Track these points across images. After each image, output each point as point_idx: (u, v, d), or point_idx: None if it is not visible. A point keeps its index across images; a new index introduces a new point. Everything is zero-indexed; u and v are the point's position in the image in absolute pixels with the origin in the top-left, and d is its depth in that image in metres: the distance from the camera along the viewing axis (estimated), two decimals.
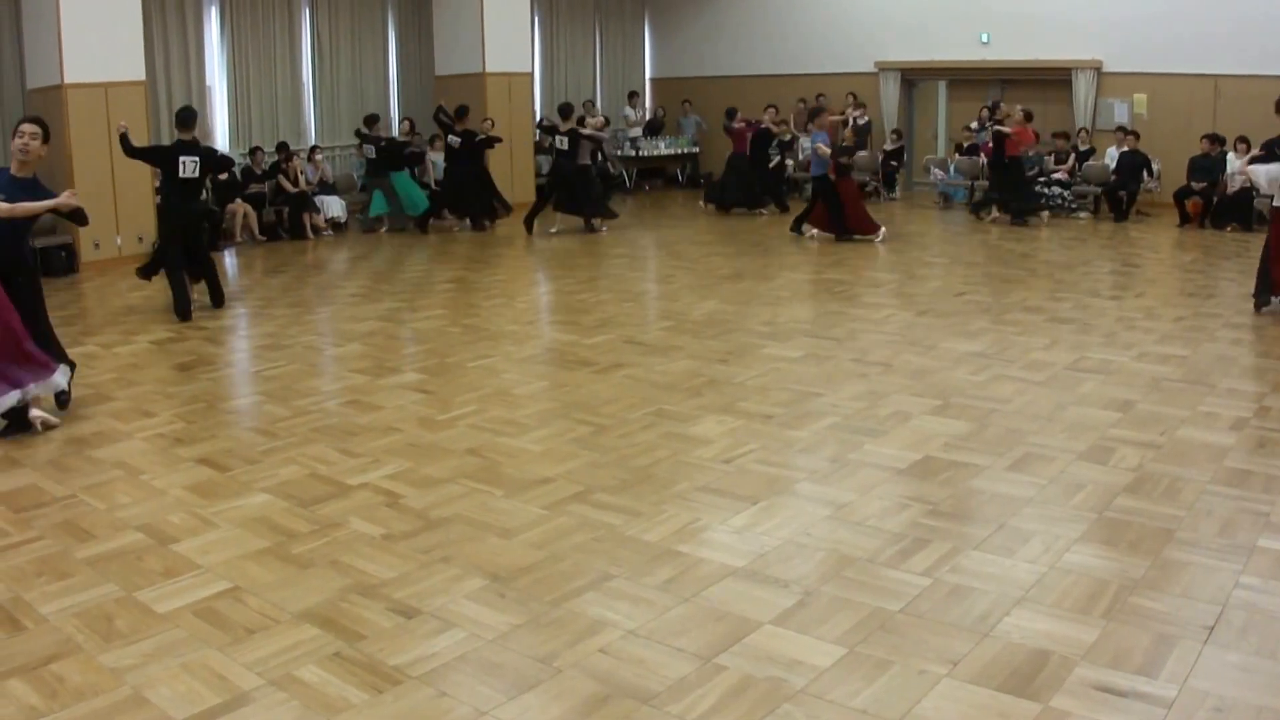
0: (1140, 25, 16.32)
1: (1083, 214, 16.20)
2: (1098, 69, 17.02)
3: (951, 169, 17.95)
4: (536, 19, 19.22)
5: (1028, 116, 15.68)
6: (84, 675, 3.81)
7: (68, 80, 12.21)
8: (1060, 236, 14.36)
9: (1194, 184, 15.02)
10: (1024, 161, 15.93)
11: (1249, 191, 14.52)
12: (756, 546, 4.85)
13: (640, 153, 20.33)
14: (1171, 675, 3.70)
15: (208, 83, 15.40)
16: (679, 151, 20.87)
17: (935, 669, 3.77)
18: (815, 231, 14.47)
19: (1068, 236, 14.38)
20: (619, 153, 20.60)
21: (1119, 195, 15.74)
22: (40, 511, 5.38)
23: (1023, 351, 8.20)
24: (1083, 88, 17.13)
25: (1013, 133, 15.34)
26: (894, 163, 18.64)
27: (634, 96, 21.01)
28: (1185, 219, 15.11)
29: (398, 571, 4.65)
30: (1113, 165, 15.91)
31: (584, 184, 15.36)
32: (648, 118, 21.04)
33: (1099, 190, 16.17)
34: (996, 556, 4.69)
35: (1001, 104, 16.68)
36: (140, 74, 12.99)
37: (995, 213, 16.01)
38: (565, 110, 15.28)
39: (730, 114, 17.76)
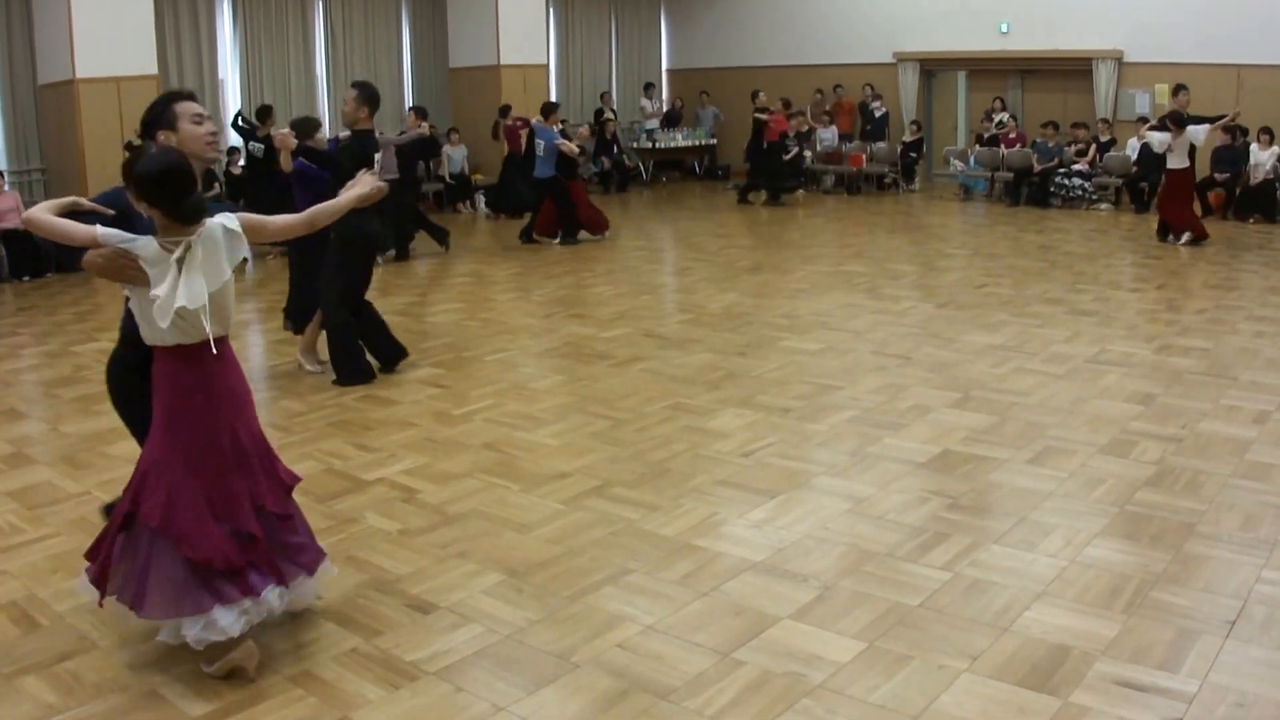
0: (1162, 15, 16.21)
1: (1104, 205, 16.12)
2: (1119, 59, 16.91)
3: (971, 160, 17.86)
4: (551, 10, 19.21)
5: (785, 104, 17.52)
6: (100, 672, 3.81)
7: (79, 75, 12.24)
8: (1081, 228, 14.27)
9: (1216, 175, 14.92)
10: (782, 145, 17.35)
11: (1272, 183, 14.46)
12: (775, 541, 4.82)
13: (657, 144, 20.29)
14: (1193, 670, 3.66)
15: (220, 76, 15.44)
16: (696, 143, 20.82)
17: (955, 664, 3.74)
18: (547, 239, 13.82)
19: (1089, 228, 14.28)
20: (635, 145, 20.56)
21: (1140, 186, 15.63)
22: (54, 508, 5.39)
23: (1044, 344, 8.14)
24: (1104, 78, 17.02)
25: (769, 120, 16.88)
26: (913, 154, 18.57)
27: (650, 88, 20.97)
28: (1207, 210, 14.99)
29: (414, 567, 4.64)
30: (1134, 156, 15.80)
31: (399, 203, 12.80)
32: (664, 109, 20.99)
33: (1120, 182, 16.07)
34: (1017, 551, 4.64)
35: (760, 93, 17.39)
36: (152, 68, 13.03)
37: (764, 196, 17.28)
38: (423, 110, 13.94)
39: (503, 111, 16.84)
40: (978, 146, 17.93)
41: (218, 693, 3.66)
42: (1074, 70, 17.36)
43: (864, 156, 18.46)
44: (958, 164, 18.09)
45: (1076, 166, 16.32)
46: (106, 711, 3.57)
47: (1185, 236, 12.76)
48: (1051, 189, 16.43)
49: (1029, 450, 5.88)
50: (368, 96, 7.44)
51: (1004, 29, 17.79)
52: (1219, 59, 15.76)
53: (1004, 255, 12.42)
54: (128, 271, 3.58)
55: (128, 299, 3.80)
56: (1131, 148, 15.91)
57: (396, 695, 3.66)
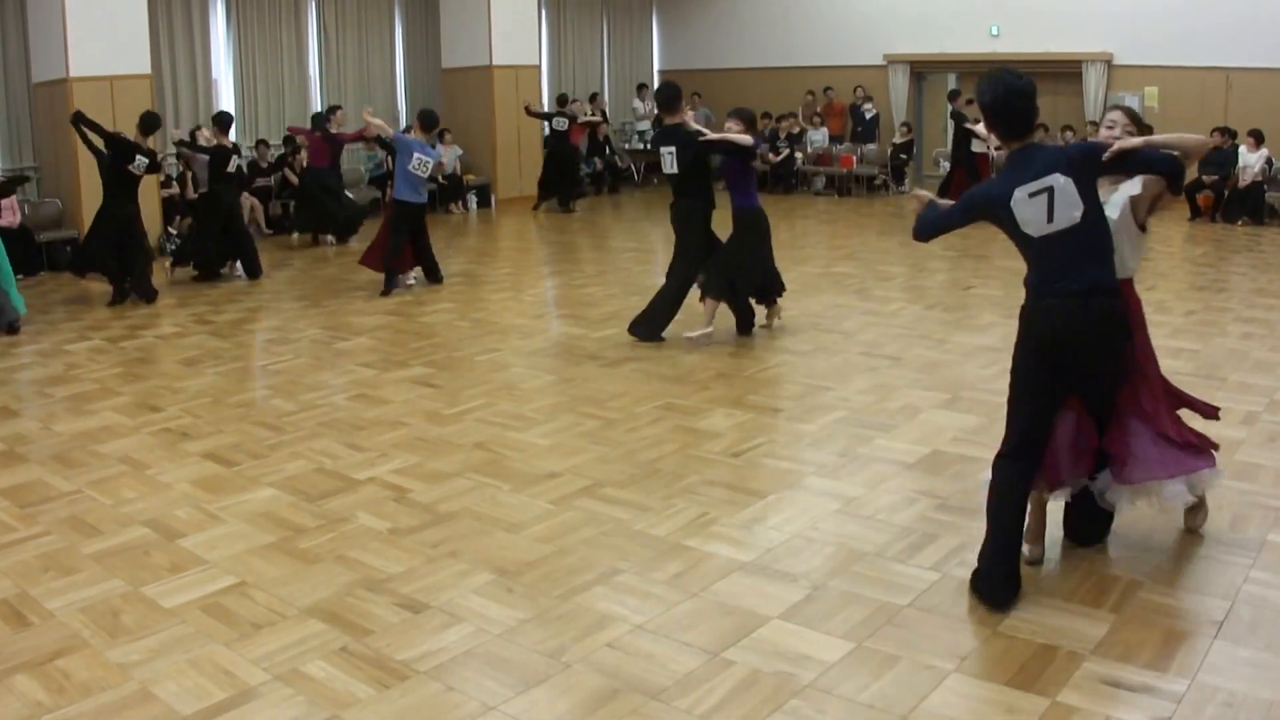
0: (1151, 17, 16.25)
1: None
2: (1108, 61, 16.95)
3: None
4: (543, 11, 19.18)
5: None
6: (90, 671, 3.81)
7: (73, 74, 12.22)
8: None
9: (1205, 177, 14.95)
10: (575, 152, 17.54)
11: (1260, 185, 14.51)
12: (765, 541, 4.83)
13: (649, 146, 20.24)
14: (1181, 670, 3.68)
15: (214, 75, 15.42)
16: None
17: (943, 664, 3.75)
18: (411, 277, 11.07)
19: None
20: (627, 146, 20.56)
21: None
22: (46, 507, 5.38)
23: None
24: (1093, 80, 17.06)
25: (586, 123, 17.26)
26: (903, 156, 18.58)
27: (642, 89, 20.95)
28: (1196, 212, 15.05)
29: (405, 566, 4.64)
30: None
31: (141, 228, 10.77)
32: (656, 111, 20.93)
33: None
34: None
35: (572, 101, 17.26)
36: (146, 67, 13.00)
37: (551, 204, 17.04)
38: (150, 122, 10.65)
39: (318, 120, 14.36)
40: None
41: (208, 691, 3.66)
42: (1064, 73, 17.40)
43: (854, 158, 18.48)
44: (948, 166, 18.10)
45: None
46: (97, 710, 3.57)
47: None
48: None
49: None
50: (656, 95, 8.97)
51: (995, 32, 17.82)
52: (1208, 62, 15.81)
53: (993, 256, 12.43)
54: None
55: None
56: None
57: (387, 694, 3.66)
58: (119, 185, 10.36)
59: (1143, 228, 4.49)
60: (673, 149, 8.28)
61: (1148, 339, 4.58)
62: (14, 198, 12.31)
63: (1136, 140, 4.25)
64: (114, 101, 12.31)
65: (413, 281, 11.00)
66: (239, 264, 11.96)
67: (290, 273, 12.12)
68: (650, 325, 8.47)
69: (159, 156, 10.60)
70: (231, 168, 11.67)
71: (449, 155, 16.68)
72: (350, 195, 14.74)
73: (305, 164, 14.24)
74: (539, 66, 18.40)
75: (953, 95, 17.20)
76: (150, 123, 10.59)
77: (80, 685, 3.72)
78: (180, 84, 14.81)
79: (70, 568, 4.68)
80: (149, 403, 7.19)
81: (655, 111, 20.56)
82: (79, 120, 10.36)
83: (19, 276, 11.87)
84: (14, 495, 5.53)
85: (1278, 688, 3.57)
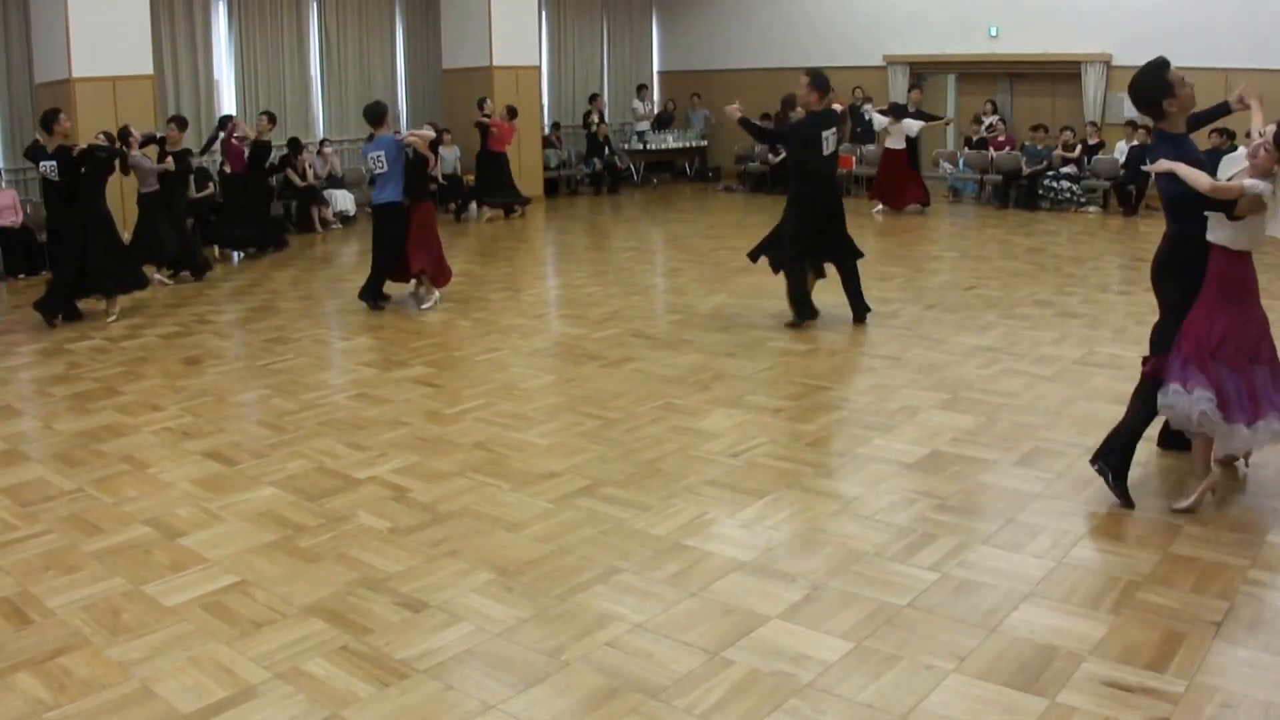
0: (1150, 18, 16.24)
1: (1092, 208, 16.15)
2: (1107, 62, 16.95)
3: (960, 163, 17.90)
4: (544, 12, 19.19)
5: (511, 113, 16.41)
6: (91, 669, 3.82)
7: (75, 74, 12.26)
8: (1069, 231, 14.31)
9: None
10: (505, 157, 16.37)
11: None
12: (764, 540, 4.84)
13: (648, 146, 20.26)
14: (1179, 670, 3.68)
15: (215, 77, 15.45)
16: (687, 145, 20.79)
17: (942, 664, 3.76)
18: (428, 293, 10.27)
19: (1077, 231, 14.33)
20: (626, 146, 20.57)
21: (1128, 189, 15.67)
22: (47, 505, 5.40)
23: (1032, 346, 8.17)
24: (1092, 81, 17.06)
25: (494, 128, 16.00)
26: None
27: (642, 89, 20.96)
28: None
29: (405, 565, 4.65)
30: (1122, 159, 15.82)
31: (103, 237, 9.83)
32: (656, 111, 20.98)
33: (1108, 184, 16.11)
34: (1004, 551, 4.67)
35: (488, 100, 16.47)
36: (148, 68, 13.04)
37: (486, 211, 16.31)
38: (48, 120, 9.67)
39: (223, 123, 13.31)
40: (967, 149, 17.96)
41: (208, 690, 3.67)
42: (1063, 74, 17.41)
43: (853, 159, 18.47)
44: (947, 166, 18.11)
45: (1065, 169, 16.36)
46: (98, 708, 3.58)
47: (912, 206, 16.06)
48: (1040, 191, 16.45)
49: (1017, 451, 5.91)
50: (815, 83, 8.70)
51: (993, 33, 17.84)
52: (1207, 63, 15.74)
53: (992, 257, 12.45)
54: None
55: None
56: (1120, 151, 15.93)
57: (386, 693, 3.67)
58: (48, 196, 9.79)
59: (1232, 216, 4.91)
60: (833, 130, 8.79)
61: (1231, 307, 5.21)
62: (15, 197, 12.33)
63: (1165, 165, 4.89)
64: (116, 102, 12.33)
65: (437, 295, 10.24)
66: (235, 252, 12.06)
67: (292, 273, 12.12)
68: (861, 303, 9.21)
69: (75, 151, 9.47)
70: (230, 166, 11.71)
71: (449, 155, 16.68)
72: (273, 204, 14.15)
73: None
74: (539, 67, 18.42)
75: (912, 86, 17.77)
76: (44, 120, 9.65)
77: (81, 683, 3.73)
78: (182, 84, 14.82)
79: (71, 566, 4.69)
80: (150, 402, 7.20)
81: (653, 110, 20.77)
82: (29, 156, 10.03)
83: (20, 276, 11.94)
84: (15, 494, 5.54)
85: (1277, 688, 3.59)
